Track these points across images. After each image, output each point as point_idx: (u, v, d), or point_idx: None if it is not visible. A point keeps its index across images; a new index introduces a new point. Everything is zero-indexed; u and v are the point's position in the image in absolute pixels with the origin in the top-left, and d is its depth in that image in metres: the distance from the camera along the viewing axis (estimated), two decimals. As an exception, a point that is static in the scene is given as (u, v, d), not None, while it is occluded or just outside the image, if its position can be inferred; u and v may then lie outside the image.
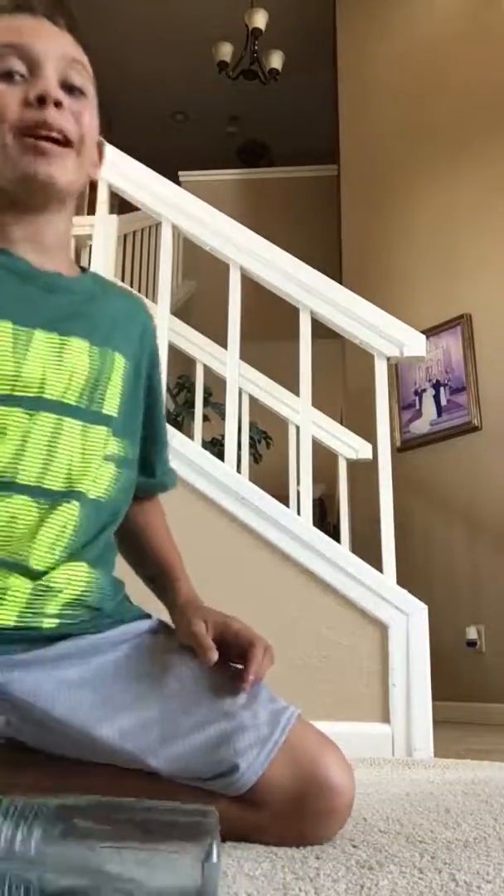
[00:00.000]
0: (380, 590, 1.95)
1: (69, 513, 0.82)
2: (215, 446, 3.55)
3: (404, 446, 4.09)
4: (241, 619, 0.87)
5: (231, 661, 0.83)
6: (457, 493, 3.81)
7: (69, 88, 0.84)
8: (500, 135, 3.95)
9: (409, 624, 1.92)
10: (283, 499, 2.44)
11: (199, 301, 5.63)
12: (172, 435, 2.08)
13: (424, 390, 4.10)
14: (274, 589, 1.98)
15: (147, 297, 4.05)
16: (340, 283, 2.72)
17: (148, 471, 1.01)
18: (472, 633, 3.57)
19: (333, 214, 5.28)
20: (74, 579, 0.83)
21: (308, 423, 2.21)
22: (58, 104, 0.81)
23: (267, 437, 4.38)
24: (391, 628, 1.92)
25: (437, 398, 4.03)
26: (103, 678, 0.80)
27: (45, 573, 0.80)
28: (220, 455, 2.19)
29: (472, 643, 3.56)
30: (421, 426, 4.08)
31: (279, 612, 1.96)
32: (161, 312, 2.28)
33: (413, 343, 2.18)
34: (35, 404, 0.81)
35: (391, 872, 0.70)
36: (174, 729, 0.77)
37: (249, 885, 0.65)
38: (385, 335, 2.18)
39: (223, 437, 2.32)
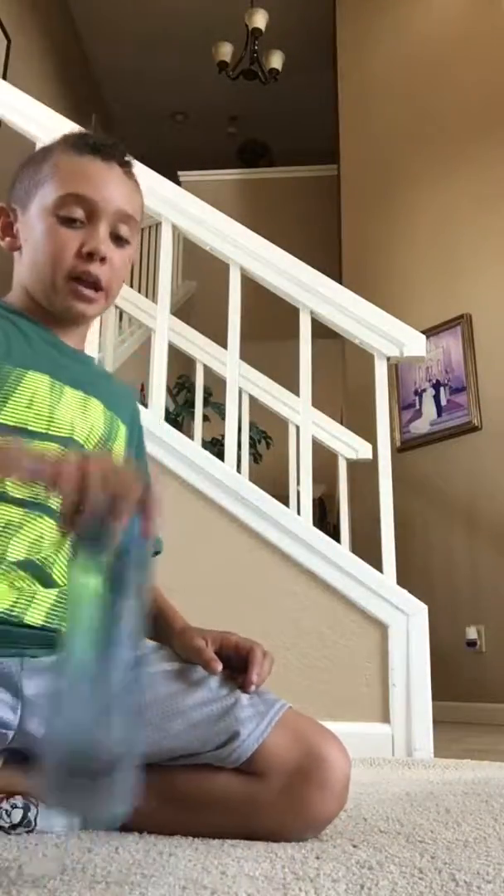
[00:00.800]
0: (380, 590, 1.95)
1: None
2: (215, 446, 3.54)
3: (404, 446, 4.09)
4: (237, 633, 0.95)
5: (233, 671, 0.91)
6: (457, 493, 3.81)
7: (116, 238, 1.00)
8: (501, 134, 3.95)
9: (409, 624, 1.92)
10: (283, 499, 2.44)
11: (199, 301, 5.63)
12: (173, 436, 2.08)
13: (424, 390, 4.10)
14: (274, 589, 1.98)
15: (147, 297, 4.04)
16: (340, 283, 2.71)
17: None
18: (472, 633, 3.57)
19: (333, 214, 5.28)
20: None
21: (308, 423, 2.21)
22: (102, 260, 0.97)
23: (267, 437, 4.37)
24: (391, 628, 1.92)
25: (437, 398, 4.03)
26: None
27: (66, 583, 0.90)
28: (220, 455, 2.19)
29: (472, 643, 3.56)
30: (421, 426, 4.08)
31: (279, 612, 1.96)
32: (161, 312, 2.28)
33: (413, 343, 2.18)
34: (66, 443, 0.94)
35: (391, 872, 0.70)
36: (175, 706, 0.87)
37: (249, 885, 0.65)
38: (385, 335, 2.18)
39: (223, 437, 2.32)
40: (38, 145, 2.20)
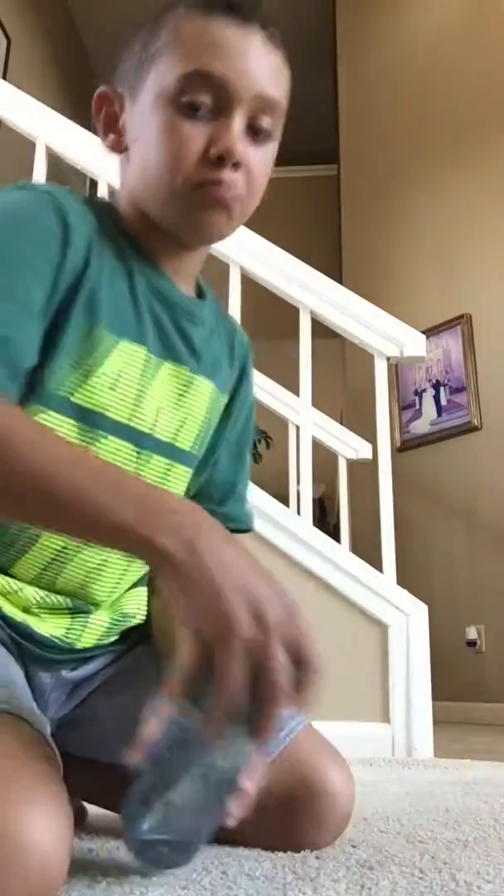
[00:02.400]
0: (380, 590, 1.95)
1: None
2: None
3: (404, 446, 4.09)
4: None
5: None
6: (457, 493, 3.81)
7: (255, 131, 0.75)
8: (501, 134, 3.95)
9: (409, 624, 1.92)
10: (283, 499, 2.44)
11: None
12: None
13: (424, 390, 4.10)
14: (274, 589, 1.97)
15: (147, 297, 4.04)
16: (340, 283, 2.72)
17: (212, 501, 0.90)
18: (472, 633, 3.57)
19: (333, 214, 5.28)
20: (142, 603, 0.86)
21: (308, 423, 2.21)
22: (236, 165, 0.73)
23: (267, 437, 4.37)
24: (391, 628, 1.92)
25: (437, 398, 4.03)
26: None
27: (117, 601, 0.82)
28: (220, 455, 2.19)
29: (472, 643, 3.56)
30: (421, 426, 4.08)
31: (279, 612, 1.96)
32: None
33: (413, 343, 2.18)
34: (141, 440, 0.78)
35: (391, 872, 0.70)
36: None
37: (249, 885, 0.65)
38: (385, 335, 2.18)
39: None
40: (38, 145, 2.20)
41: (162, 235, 0.78)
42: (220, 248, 2.23)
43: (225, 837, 0.78)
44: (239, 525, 0.92)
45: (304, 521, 2.04)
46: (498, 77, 4.02)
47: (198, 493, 0.89)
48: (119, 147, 0.79)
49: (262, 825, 0.75)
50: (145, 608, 0.86)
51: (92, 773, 0.85)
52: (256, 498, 2.02)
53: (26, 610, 0.77)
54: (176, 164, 0.72)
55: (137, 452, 0.77)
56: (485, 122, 4.05)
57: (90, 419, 0.73)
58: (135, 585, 0.86)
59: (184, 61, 0.72)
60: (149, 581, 0.88)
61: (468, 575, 3.67)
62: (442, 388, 4.01)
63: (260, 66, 0.75)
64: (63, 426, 0.72)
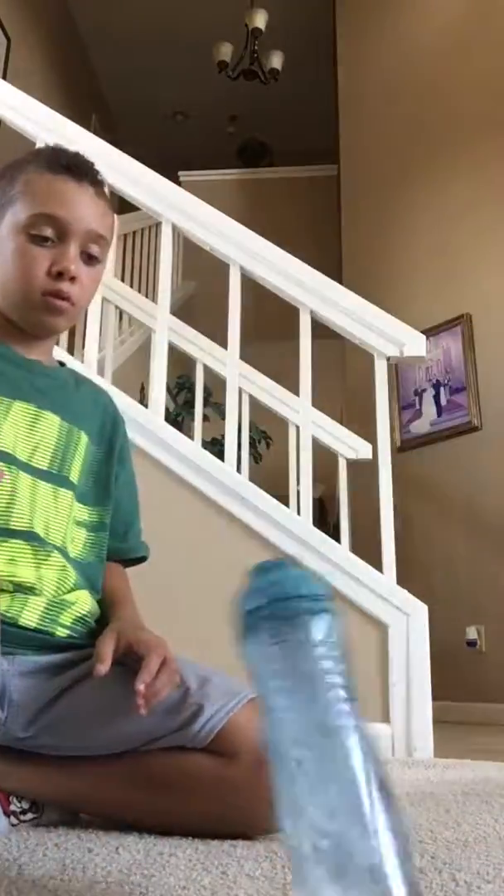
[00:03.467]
0: (380, 590, 1.95)
1: (58, 561, 0.96)
2: (215, 446, 3.54)
3: (404, 446, 4.09)
4: (155, 636, 0.92)
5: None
6: (457, 493, 3.81)
7: (88, 257, 1.00)
8: (501, 134, 3.95)
9: (409, 624, 1.92)
10: (283, 499, 2.44)
11: (199, 301, 5.63)
12: (173, 436, 2.08)
13: (424, 390, 4.10)
14: (274, 589, 1.97)
15: (147, 297, 4.04)
16: (340, 283, 2.71)
17: (117, 537, 1.11)
18: (472, 633, 3.57)
19: (333, 214, 5.28)
20: (81, 600, 0.98)
21: (308, 423, 2.21)
22: (73, 279, 0.98)
23: (267, 437, 4.37)
24: (391, 628, 1.92)
25: (437, 398, 4.03)
26: (99, 688, 0.90)
27: (59, 595, 0.95)
28: (220, 455, 2.19)
29: (472, 643, 3.56)
30: (421, 426, 4.07)
31: (279, 612, 1.96)
32: (161, 312, 2.28)
33: (413, 343, 2.17)
34: (11, 461, 0.96)
35: (391, 872, 0.69)
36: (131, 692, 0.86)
37: (250, 885, 0.65)
38: (385, 335, 2.18)
39: (223, 437, 2.32)
40: (38, 145, 2.20)
41: (12, 328, 1.03)
42: (220, 247, 2.23)
43: (211, 796, 0.84)
44: (138, 555, 1.15)
45: (304, 521, 2.04)
46: (498, 77, 4.01)
47: (106, 531, 1.08)
48: None
49: (244, 780, 0.82)
50: (84, 604, 0.98)
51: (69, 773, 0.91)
52: (257, 498, 2.02)
53: None
54: (28, 277, 0.97)
55: (8, 467, 0.96)
56: (485, 122, 4.05)
57: None
58: (78, 588, 0.99)
59: (33, 205, 0.98)
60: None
61: (468, 575, 3.67)
62: (442, 388, 4.01)
63: (89, 210, 1.00)
64: None
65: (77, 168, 1.00)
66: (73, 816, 0.93)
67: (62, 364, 1.16)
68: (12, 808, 0.89)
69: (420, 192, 4.34)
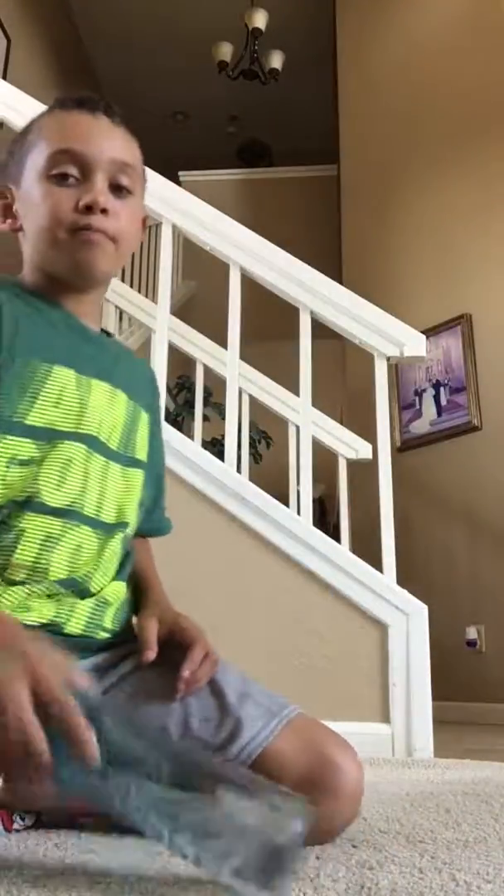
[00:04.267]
0: (380, 590, 1.95)
1: (118, 543, 0.95)
2: (215, 446, 3.54)
3: (404, 446, 4.09)
4: (193, 623, 0.92)
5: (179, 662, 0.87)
6: (457, 493, 3.81)
7: (117, 188, 0.93)
8: (501, 134, 3.95)
9: (409, 624, 1.92)
10: (283, 499, 2.44)
11: (199, 301, 5.63)
12: (173, 436, 2.08)
13: (424, 390, 4.10)
14: (274, 589, 1.98)
15: (147, 297, 4.04)
16: (340, 283, 2.71)
17: (152, 516, 1.09)
18: (472, 633, 3.57)
19: (333, 214, 5.28)
20: (119, 593, 0.95)
21: (308, 423, 2.21)
22: (103, 211, 0.90)
23: (267, 437, 4.37)
24: (391, 628, 1.92)
25: (437, 398, 4.03)
26: (140, 689, 0.89)
27: (101, 590, 0.92)
28: (220, 455, 2.19)
29: (472, 643, 3.56)
30: (421, 426, 4.07)
31: (279, 612, 1.96)
32: (161, 312, 2.28)
33: (413, 343, 2.17)
34: (91, 442, 0.92)
35: (391, 872, 0.70)
36: (187, 706, 0.85)
37: (249, 885, 0.65)
38: (385, 335, 2.18)
39: (223, 437, 2.32)
40: None
41: (59, 287, 0.95)
42: (220, 248, 2.23)
43: None
44: (164, 532, 1.13)
45: (304, 521, 2.04)
46: (498, 77, 4.01)
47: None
48: (15, 227, 0.96)
49: None
50: (120, 597, 0.95)
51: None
52: (257, 498, 2.02)
53: (14, 609, 0.84)
54: (55, 219, 0.90)
55: (87, 451, 0.91)
56: (485, 122, 4.05)
57: (45, 434, 0.88)
58: (116, 578, 0.95)
59: (50, 145, 0.91)
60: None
61: (468, 575, 3.67)
62: (442, 388, 4.01)
63: (110, 138, 0.93)
64: (23, 445, 0.87)
65: (89, 101, 0.94)
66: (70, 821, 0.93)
67: (104, 330, 1.08)
68: (15, 826, 0.88)
69: (420, 192, 4.34)
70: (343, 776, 0.82)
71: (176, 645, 0.88)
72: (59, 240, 0.90)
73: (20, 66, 4.99)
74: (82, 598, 0.89)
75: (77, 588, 0.88)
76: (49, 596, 0.86)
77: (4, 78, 4.61)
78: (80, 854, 0.75)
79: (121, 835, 0.85)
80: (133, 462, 0.98)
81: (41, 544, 0.86)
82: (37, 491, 0.86)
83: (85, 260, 0.91)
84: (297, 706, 0.87)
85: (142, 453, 1.00)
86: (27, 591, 0.85)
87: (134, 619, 0.97)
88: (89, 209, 0.89)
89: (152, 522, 1.09)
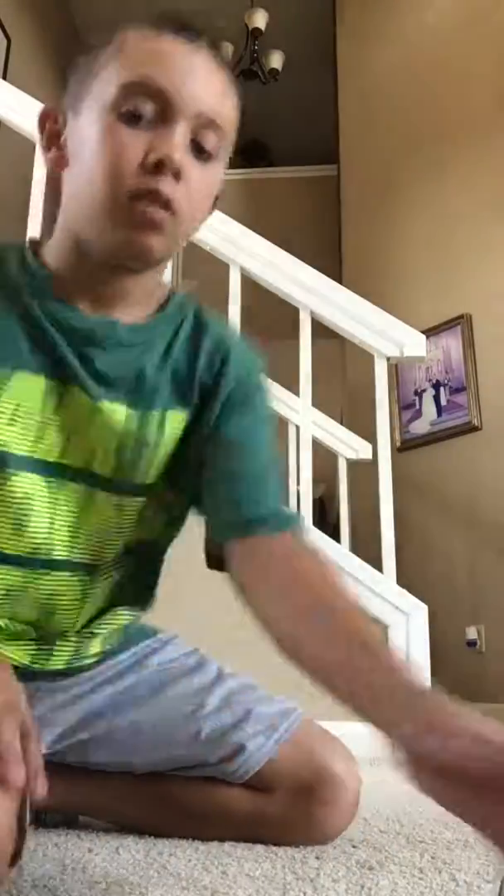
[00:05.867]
0: (380, 590, 1.94)
1: (111, 579, 0.82)
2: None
3: (404, 446, 4.08)
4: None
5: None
6: (457, 493, 3.81)
7: (199, 149, 0.71)
8: (501, 134, 3.95)
9: (409, 624, 1.91)
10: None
11: (199, 301, 5.63)
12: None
13: (424, 390, 4.10)
14: (274, 589, 1.97)
15: (147, 297, 4.04)
16: (340, 283, 2.71)
17: (245, 507, 0.80)
18: (472, 633, 3.57)
19: (333, 214, 5.27)
20: (115, 622, 0.85)
21: (308, 423, 2.21)
22: (177, 175, 0.68)
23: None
24: (391, 628, 1.92)
25: (437, 398, 4.03)
26: (134, 701, 0.86)
27: (88, 625, 0.83)
28: (220, 455, 2.19)
29: (472, 643, 3.56)
30: (421, 426, 4.07)
31: (279, 612, 1.96)
32: (161, 312, 2.28)
33: (413, 343, 2.17)
34: (52, 471, 0.74)
35: (391, 872, 0.70)
36: (184, 712, 0.83)
37: (249, 885, 0.65)
38: (385, 335, 2.18)
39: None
40: (38, 145, 2.19)
41: (90, 266, 0.74)
42: (220, 248, 2.23)
43: (244, 829, 0.82)
44: (279, 520, 0.80)
45: (304, 521, 2.04)
46: (498, 77, 4.01)
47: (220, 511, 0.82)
48: (61, 163, 0.74)
49: (279, 816, 0.82)
50: (119, 622, 0.86)
51: (95, 785, 0.87)
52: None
53: None
54: (113, 171, 0.68)
55: (48, 482, 0.74)
56: (485, 122, 4.05)
57: None
58: (114, 605, 0.85)
59: (127, 71, 0.69)
60: None
61: (468, 575, 3.67)
62: (442, 388, 4.01)
63: (206, 82, 0.71)
64: None
65: (190, 28, 0.73)
66: (73, 817, 0.93)
67: (168, 302, 0.82)
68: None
69: (420, 193, 4.34)
70: (341, 790, 0.82)
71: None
72: (114, 203, 0.68)
73: (20, 66, 4.99)
74: (62, 638, 0.81)
75: (55, 631, 0.80)
76: (20, 640, 0.78)
77: (4, 78, 4.61)
78: (80, 854, 0.75)
79: (121, 835, 0.85)
80: (135, 490, 0.79)
81: (2, 597, 0.75)
82: None
83: (138, 241, 0.69)
84: (300, 713, 0.87)
85: (153, 477, 0.79)
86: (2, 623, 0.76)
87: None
88: (158, 168, 0.67)
89: (249, 513, 0.78)
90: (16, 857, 0.58)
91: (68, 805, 0.88)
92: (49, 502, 0.74)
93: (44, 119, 0.77)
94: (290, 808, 0.81)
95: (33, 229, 2.06)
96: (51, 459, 0.74)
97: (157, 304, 0.82)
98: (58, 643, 0.81)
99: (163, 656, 0.91)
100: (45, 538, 0.74)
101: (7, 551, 0.73)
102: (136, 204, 0.68)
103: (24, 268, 0.76)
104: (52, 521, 0.75)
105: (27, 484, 0.73)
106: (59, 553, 0.76)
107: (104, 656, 0.88)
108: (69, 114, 0.74)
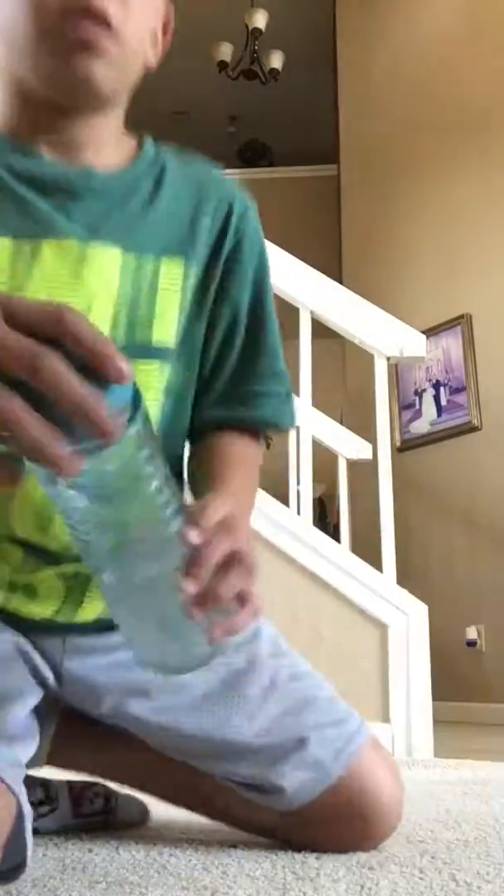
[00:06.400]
0: (380, 590, 1.95)
1: None
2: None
3: (404, 446, 4.09)
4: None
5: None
6: (457, 493, 3.81)
7: None
8: (501, 134, 3.95)
9: (409, 624, 1.92)
10: (283, 499, 2.44)
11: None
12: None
13: (424, 390, 4.10)
14: (274, 589, 1.97)
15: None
16: (340, 283, 2.72)
17: (238, 401, 0.79)
18: (472, 633, 3.57)
19: (333, 214, 5.28)
20: None
21: (308, 423, 2.21)
22: None
23: (267, 437, 4.37)
24: (391, 628, 1.92)
25: (437, 398, 4.03)
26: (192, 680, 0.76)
27: None
28: (220, 455, 2.19)
29: (472, 643, 3.56)
30: (421, 426, 4.07)
31: (279, 612, 1.96)
32: (161, 312, 2.28)
33: (413, 343, 2.18)
34: None
35: (391, 872, 0.70)
36: (239, 731, 0.75)
37: (249, 885, 0.65)
38: (385, 335, 2.18)
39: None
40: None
41: (37, 108, 0.67)
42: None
43: (263, 832, 0.80)
44: (264, 416, 0.81)
45: (304, 521, 2.04)
46: (498, 77, 4.01)
47: (210, 396, 0.78)
48: None
49: (315, 835, 0.77)
50: None
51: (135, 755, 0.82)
52: (257, 498, 2.02)
53: (11, 588, 0.71)
54: None
55: None
56: (485, 122, 4.05)
57: None
58: None
59: None
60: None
61: (468, 575, 3.67)
62: (442, 388, 4.01)
63: None
64: None
65: None
66: (142, 817, 0.91)
67: (143, 146, 0.76)
68: (83, 810, 0.88)
69: (420, 193, 4.34)
70: (383, 819, 0.77)
71: None
72: (42, 29, 0.62)
73: (20, 66, 4.99)
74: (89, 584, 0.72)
75: (57, 547, 0.70)
76: (57, 574, 0.70)
77: (4, 78, 4.60)
78: (80, 854, 0.75)
79: (121, 835, 0.86)
80: (143, 352, 0.70)
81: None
82: None
83: (80, 66, 0.63)
84: (360, 739, 0.78)
85: (163, 334, 0.71)
86: (32, 565, 0.69)
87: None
88: None
89: (236, 408, 0.78)
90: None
91: (94, 771, 0.86)
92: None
93: None
94: (323, 829, 0.77)
95: None
96: None
97: (131, 150, 0.75)
98: (87, 598, 0.72)
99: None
100: None
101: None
102: (66, 23, 0.61)
103: None
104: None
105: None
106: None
107: None
108: None
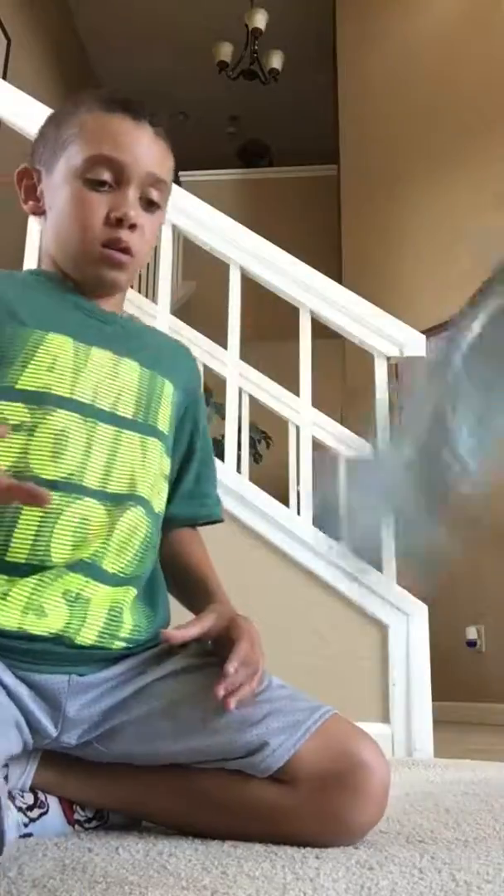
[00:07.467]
0: (380, 590, 1.95)
1: (136, 516, 0.91)
2: (215, 446, 3.54)
3: (404, 446, 4.08)
4: (249, 621, 0.91)
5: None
6: (456, 492, 3.81)
7: (148, 202, 0.95)
8: (501, 133, 3.95)
9: (409, 624, 1.92)
10: (283, 499, 2.43)
11: (199, 301, 5.62)
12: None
13: (424, 390, 4.10)
14: (274, 589, 1.97)
15: (147, 297, 4.04)
16: (340, 283, 2.71)
17: (195, 500, 1.07)
18: (472, 633, 3.57)
19: (333, 214, 5.28)
20: (127, 597, 0.90)
21: (308, 423, 2.21)
22: (132, 227, 0.92)
23: (267, 437, 4.37)
24: (391, 628, 1.92)
25: (437, 398, 4.02)
26: (163, 699, 0.87)
27: (118, 576, 0.88)
28: (220, 455, 2.19)
29: (472, 643, 3.56)
30: (421, 426, 4.07)
31: (279, 612, 1.96)
32: (161, 312, 2.28)
33: (413, 343, 2.18)
34: (86, 410, 0.91)
35: (391, 872, 0.70)
36: (213, 703, 0.82)
37: (249, 885, 0.65)
38: (385, 335, 2.18)
39: (223, 437, 2.33)
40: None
41: (76, 283, 0.98)
42: (220, 248, 2.23)
43: (271, 823, 0.82)
44: (206, 514, 1.09)
45: (304, 521, 2.04)
46: (498, 77, 4.01)
47: (180, 496, 1.04)
48: (39, 210, 0.99)
49: (305, 808, 0.81)
50: (136, 618, 0.91)
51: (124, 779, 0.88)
52: (256, 498, 2.02)
53: (25, 609, 0.82)
54: (85, 226, 0.92)
55: (83, 419, 0.90)
56: (485, 122, 4.05)
57: (36, 398, 0.88)
58: (138, 605, 0.92)
59: (89, 147, 0.92)
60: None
61: (468, 575, 3.67)
62: (442, 388, 4.01)
63: (149, 151, 0.94)
64: (13, 410, 0.87)
65: (135, 106, 0.95)
66: (135, 822, 0.91)
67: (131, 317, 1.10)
68: (76, 816, 0.88)
69: (420, 192, 4.34)
70: (369, 776, 0.81)
71: (227, 641, 0.87)
72: (87, 251, 0.93)
73: (20, 66, 4.99)
74: (100, 581, 0.86)
75: (88, 570, 0.85)
76: (62, 592, 0.84)
77: (4, 78, 4.61)
78: (80, 854, 0.75)
79: (121, 835, 0.85)
80: (152, 431, 0.96)
81: (41, 519, 0.84)
82: (27, 465, 0.85)
83: (109, 277, 0.95)
84: (330, 709, 0.86)
85: (162, 424, 0.98)
86: (36, 581, 0.83)
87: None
88: (120, 222, 0.92)
89: (193, 507, 1.06)
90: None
91: (86, 798, 0.88)
92: (85, 437, 0.90)
93: (21, 176, 1.01)
94: (316, 798, 0.80)
95: (33, 229, 2.05)
96: (85, 401, 0.91)
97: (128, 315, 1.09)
98: (91, 615, 0.85)
99: (188, 650, 0.92)
100: (78, 467, 0.88)
101: (45, 476, 0.86)
102: (105, 250, 0.93)
103: (40, 276, 1.01)
104: (87, 454, 0.89)
105: (65, 419, 0.89)
106: (90, 482, 0.88)
107: (130, 650, 0.89)
108: (43, 172, 0.98)
